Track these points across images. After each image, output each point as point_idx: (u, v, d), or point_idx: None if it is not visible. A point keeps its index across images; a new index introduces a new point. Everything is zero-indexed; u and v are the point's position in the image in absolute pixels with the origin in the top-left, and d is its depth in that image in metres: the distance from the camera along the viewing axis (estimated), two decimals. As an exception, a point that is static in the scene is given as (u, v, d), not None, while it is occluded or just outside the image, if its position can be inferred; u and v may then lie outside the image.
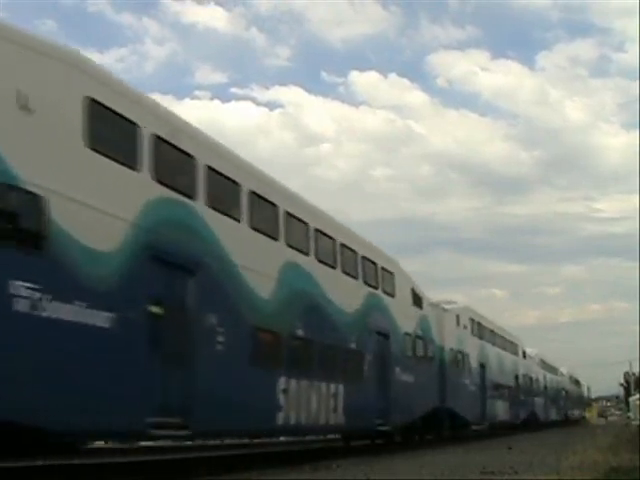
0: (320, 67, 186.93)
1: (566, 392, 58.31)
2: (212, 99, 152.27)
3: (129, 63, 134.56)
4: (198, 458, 13.80)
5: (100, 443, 19.12)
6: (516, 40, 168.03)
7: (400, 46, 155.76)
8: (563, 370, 57.57)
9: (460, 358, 26.68)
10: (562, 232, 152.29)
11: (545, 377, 46.34)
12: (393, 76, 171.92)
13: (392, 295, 19.02)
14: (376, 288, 17.95)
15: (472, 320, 29.39)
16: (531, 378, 40.81)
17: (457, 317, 27.17)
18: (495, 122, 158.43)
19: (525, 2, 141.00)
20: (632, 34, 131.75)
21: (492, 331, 32.93)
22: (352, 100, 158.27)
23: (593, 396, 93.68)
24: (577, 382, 69.19)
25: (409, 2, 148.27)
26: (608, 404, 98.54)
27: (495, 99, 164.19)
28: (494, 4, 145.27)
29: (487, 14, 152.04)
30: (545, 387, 45.84)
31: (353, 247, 16.73)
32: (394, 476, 10.18)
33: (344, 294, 15.77)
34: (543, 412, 44.72)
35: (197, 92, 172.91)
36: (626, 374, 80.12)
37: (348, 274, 16.26)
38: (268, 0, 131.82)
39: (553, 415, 49.75)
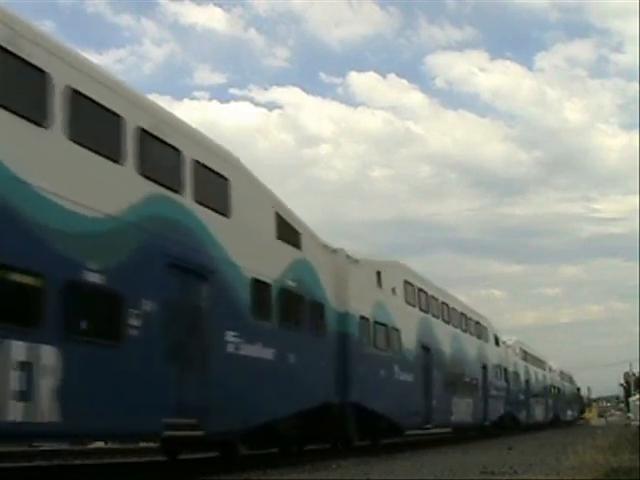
0: (319, 68, 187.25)
1: (556, 389, 52.52)
2: (211, 100, 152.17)
3: (128, 64, 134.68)
4: (198, 458, 13.80)
5: (100, 443, 19.14)
6: (514, 41, 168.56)
7: (398, 47, 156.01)
8: (552, 364, 51.83)
9: (383, 333, 19.06)
10: (561, 232, 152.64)
11: (527, 370, 40.80)
12: (392, 77, 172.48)
13: (223, 213, 12.30)
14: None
15: (408, 283, 21.35)
16: (506, 369, 34.24)
17: (378, 274, 19.21)
18: (494, 123, 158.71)
19: (523, 3, 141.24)
20: (630, 35, 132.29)
21: (444, 304, 25.12)
22: (351, 101, 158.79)
23: (593, 396, 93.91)
24: (570, 379, 62.97)
25: (407, 3, 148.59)
26: (608, 404, 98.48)
27: (494, 100, 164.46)
28: (492, 5, 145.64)
29: (485, 15, 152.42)
30: (527, 382, 40.21)
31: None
32: (394, 476, 10.18)
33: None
34: (523, 412, 38.38)
35: (196, 93, 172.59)
36: (626, 374, 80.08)
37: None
38: (266, 1, 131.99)
39: (538, 416, 43.21)
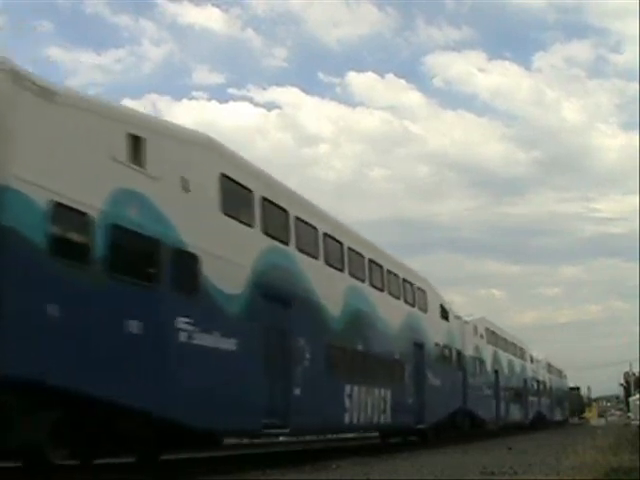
0: (317, 68, 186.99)
1: (541, 384, 44.73)
2: (209, 100, 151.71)
3: (126, 64, 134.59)
4: (198, 458, 13.79)
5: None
6: (512, 41, 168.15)
7: (397, 47, 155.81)
8: (536, 354, 43.47)
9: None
10: (560, 232, 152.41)
11: (497, 358, 32.40)
12: (390, 77, 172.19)
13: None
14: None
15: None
16: (461, 353, 26.38)
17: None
18: (492, 123, 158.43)
19: (521, 3, 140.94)
20: (629, 35, 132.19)
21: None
22: (349, 101, 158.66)
23: (593, 396, 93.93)
24: (561, 373, 55.64)
25: (405, 3, 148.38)
26: (608, 404, 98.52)
27: (492, 100, 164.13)
28: (490, 5, 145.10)
29: (483, 15, 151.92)
30: (496, 373, 31.76)
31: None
32: (394, 476, 10.18)
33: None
34: (488, 410, 29.88)
35: (194, 93, 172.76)
36: (626, 374, 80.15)
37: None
38: (265, 1, 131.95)
39: (514, 415, 35.04)
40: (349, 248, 16.88)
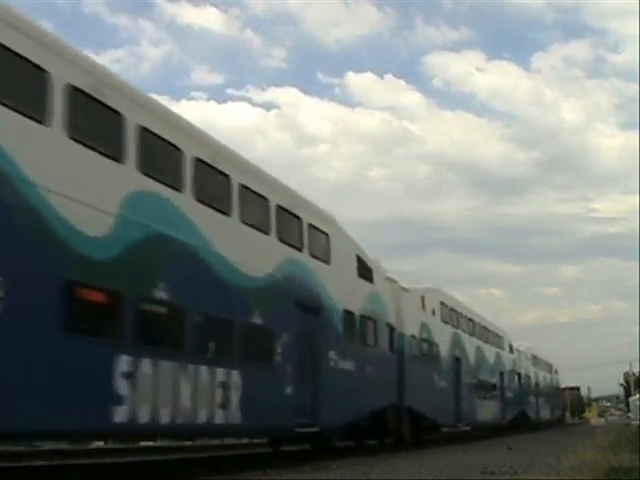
0: (316, 68, 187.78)
1: (524, 378, 38.31)
2: (208, 100, 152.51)
3: (125, 64, 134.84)
4: (198, 458, 13.79)
5: (100, 443, 19.15)
6: (511, 41, 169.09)
7: (395, 47, 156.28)
8: (518, 344, 37.72)
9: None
10: (559, 232, 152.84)
11: (457, 339, 25.83)
12: (389, 77, 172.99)
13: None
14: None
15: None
16: (391, 326, 19.21)
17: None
18: (491, 123, 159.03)
19: (519, 3, 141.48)
20: (627, 35, 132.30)
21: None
22: (348, 101, 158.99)
23: (593, 396, 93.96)
24: (551, 368, 48.84)
25: (403, 3, 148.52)
26: (608, 404, 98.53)
27: (491, 100, 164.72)
28: (488, 5, 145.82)
29: (481, 15, 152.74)
30: (456, 361, 25.19)
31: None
32: (394, 476, 10.18)
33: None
34: (434, 407, 21.77)
35: (193, 93, 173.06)
36: (626, 374, 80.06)
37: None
38: (263, 1, 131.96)
39: (484, 414, 28.56)
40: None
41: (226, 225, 12.00)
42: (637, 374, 76.87)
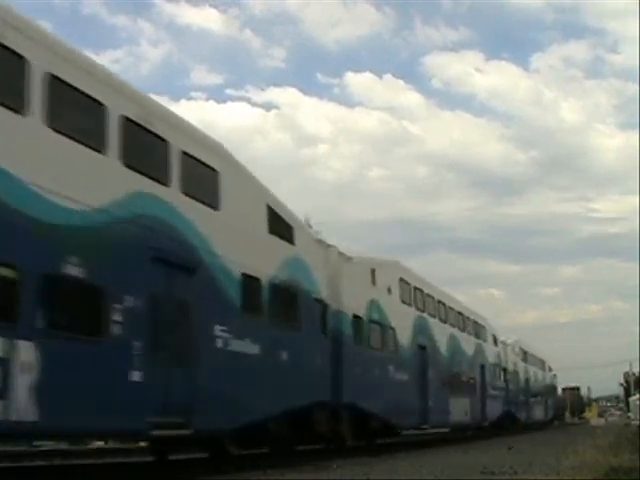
0: (315, 68, 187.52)
1: (512, 374, 35.18)
2: (208, 100, 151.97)
3: (125, 64, 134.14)
4: (198, 458, 13.79)
5: (100, 443, 19.15)
6: (510, 41, 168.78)
7: (395, 47, 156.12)
8: (504, 337, 34.71)
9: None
10: (559, 232, 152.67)
11: (423, 325, 22.15)
12: (388, 77, 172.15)
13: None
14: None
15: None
16: (340, 311, 16.46)
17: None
18: (491, 123, 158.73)
19: (518, 3, 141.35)
20: (626, 35, 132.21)
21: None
22: (348, 101, 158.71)
23: (593, 396, 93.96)
24: (543, 364, 45.18)
25: (402, 3, 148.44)
26: (608, 404, 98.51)
27: (490, 100, 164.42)
28: (487, 5, 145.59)
29: (481, 15, 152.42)
30: (421, 350, 21.70)
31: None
32: (394, 476, 10.18)
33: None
34: (389, 406, 18.50)
35: (193, 93, 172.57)
36: (626, 374, 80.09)
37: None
38: (262, 2, 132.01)
39: (457, 414, 24.50)
40: None
41: (15, 127, 8.09)
42: (637, 374, 76.93)
